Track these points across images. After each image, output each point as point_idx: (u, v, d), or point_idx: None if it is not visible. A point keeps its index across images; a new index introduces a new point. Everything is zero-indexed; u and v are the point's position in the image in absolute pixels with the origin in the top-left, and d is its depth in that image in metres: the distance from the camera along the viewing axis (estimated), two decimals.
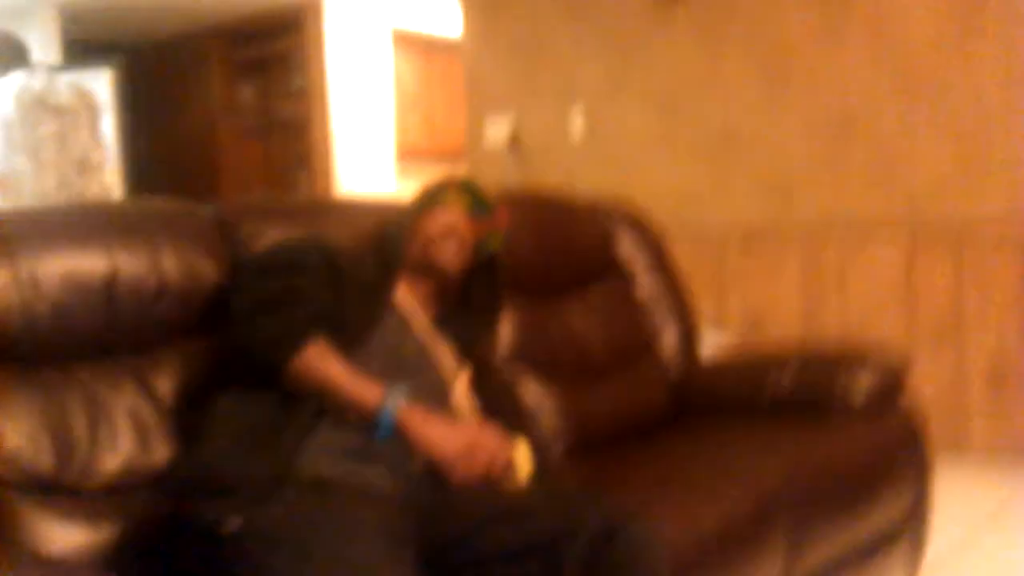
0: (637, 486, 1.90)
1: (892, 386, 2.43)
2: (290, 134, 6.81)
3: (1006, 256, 3.58)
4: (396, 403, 1.52)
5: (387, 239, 1.87)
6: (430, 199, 1.88)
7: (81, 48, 6.01)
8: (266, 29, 6.61)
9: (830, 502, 2.03)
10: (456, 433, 1.56)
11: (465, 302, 1.90)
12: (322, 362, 1.54)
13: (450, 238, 1.81)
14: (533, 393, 2.12)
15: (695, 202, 4.26)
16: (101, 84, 5.65)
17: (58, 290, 1.56)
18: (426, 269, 1.81)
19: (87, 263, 1.60)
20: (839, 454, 2.17)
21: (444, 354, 1.77)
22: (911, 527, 2.35)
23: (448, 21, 6.25)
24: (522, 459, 1.62)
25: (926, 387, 3.54)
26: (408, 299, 1.79)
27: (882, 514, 2.22)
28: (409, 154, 6.66)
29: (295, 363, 1.53)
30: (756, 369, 2.55)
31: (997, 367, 3.62)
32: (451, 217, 1.83)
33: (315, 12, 6.16)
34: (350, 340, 1.61)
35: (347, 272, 1.71)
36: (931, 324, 3.73)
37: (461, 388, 1.75)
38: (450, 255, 1.81)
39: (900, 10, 3.77)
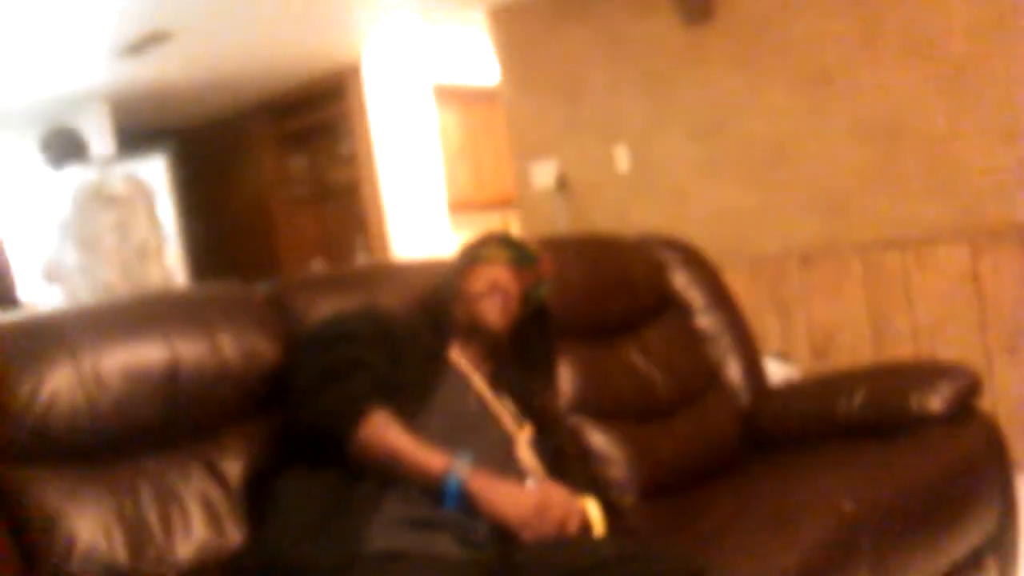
0: (713, 527, 1.86)
1: (968, 397, 2.35)
2: (343, 199, 6.91)
3: None
4: (462, 470, 1.51)
5: (437, 301, 1.87)
6: (471, 257, 1.89)
7: (131, 136, 6.18)
8: (310, 99, 6.73)
9: (913, 523, 1.97)
10: (524, 495, 1.54)
11: (520, 356, 1.89)
12: (385, 432, 1.54)
13: (494, 294, 1.82)
14: (600, 443, 2.11)
15: (749, 226, 4.21)
16: (155, 170, 5.80)
17: (120, 384, 1.59)
18: (474, 328, 1.81)
19: (146, 354, 1.64)
20: (919, 472, 2.10)
21: (504, 411, 1.76)
22: (1000, 543, 2.26)
23: (486, 70, 6.31)
24: (593, 516, 1.61)
25: (1003, 398, 3.43)
26: (463, 359, 1.79)
27: (968, 531, 2.14)
28: (460, 206, 6.71)
29: (358, 434, 1.53)
30: (826, 392, 2.49)
31: None
32: (493, 273, 1.84)
33: (355, 77, 6.26)
34: (410, 406, 1.61)
35: (402, 338, 1.72)
36: (1004, 332, 3.61)
37: (524, 445, 1.74)
38: (495, 312, 1.81)
39: (935, 5, 3.69)
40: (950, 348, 3.65)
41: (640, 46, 4.54)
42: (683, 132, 4.43)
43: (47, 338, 1.59)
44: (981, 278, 3.64)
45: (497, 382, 1.81)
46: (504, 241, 1.90)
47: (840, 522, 1.81)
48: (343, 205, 6.95)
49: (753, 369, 2.62)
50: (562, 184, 4.86)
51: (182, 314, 1.75)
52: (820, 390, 2.56)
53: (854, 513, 1.84)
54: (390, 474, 1.52)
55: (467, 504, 1.51)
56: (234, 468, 1.68)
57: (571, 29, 4.79)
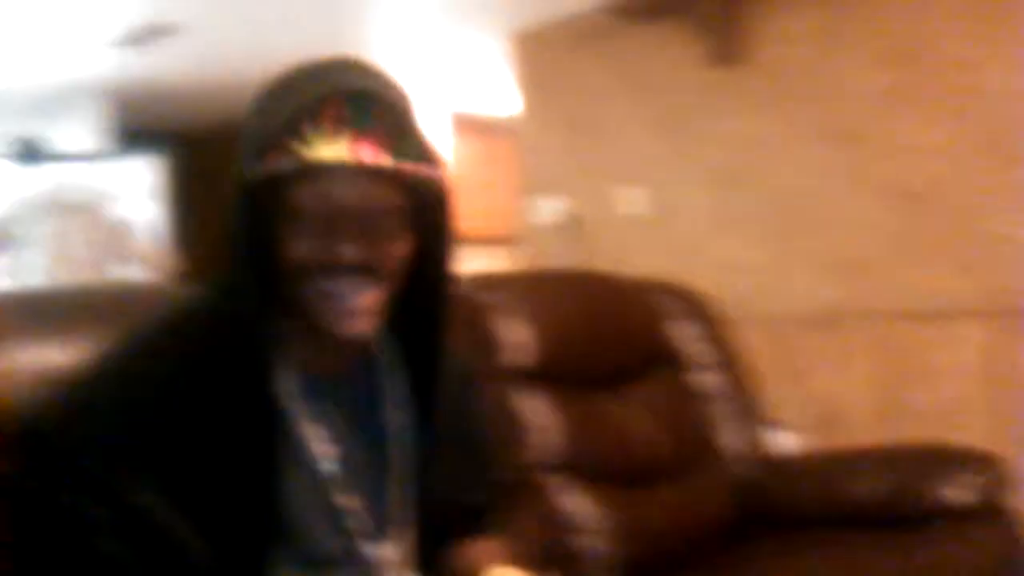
0: None
1: (996, 490, 2.10)
2: None
3: None
4: None
5: (229, 309, 1.07)
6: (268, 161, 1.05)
7: (132, 135, 5.99)
8: None
9: None
10: None
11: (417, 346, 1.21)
12: None
13: (342, 260, 1.05)
14: (580, 507, 1.85)
15: (760, 283, 3.96)
16: (149, 170, 5.61)
17: None
18: (317, 337, 1.13)
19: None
20: (943, 573, 1.84)
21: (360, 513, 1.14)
22: None
23: (504, 102, 6.12)
24: None
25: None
26: (296, 390, 1.14)
27: None
28: (469, 238, 6.49)
29: None
30: (835, 471, 2.26)
31: None
32: (330, 193, 1.02)
33: None
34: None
35: (188, 422, 1.01)
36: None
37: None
38: (354, 300, 1.07)
39: (973, 67, 3.46)
40: (963, 432, 3.37)
41: (662, 85, 4.33)
42: (701, 178, 4.21)
43: None
44: (1000, 359, 3.38)
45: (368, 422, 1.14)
46: (333, 79, 1.02)
47: None
48: None
49: (755, 438, 2.36)
50: (569, 223, 4.63)
51: None
52: (828, 468, 2.31)
53: None
54: None
55: None
56: None
57: (592, 62, 4.59)
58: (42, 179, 4.24)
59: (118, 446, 0.99)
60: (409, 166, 1.03)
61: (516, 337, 2.01)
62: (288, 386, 1.07)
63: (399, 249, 1.05)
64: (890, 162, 3.68)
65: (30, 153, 4.35)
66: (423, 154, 1.05)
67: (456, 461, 1.22)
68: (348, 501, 1.10)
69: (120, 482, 0.98)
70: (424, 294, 1.12)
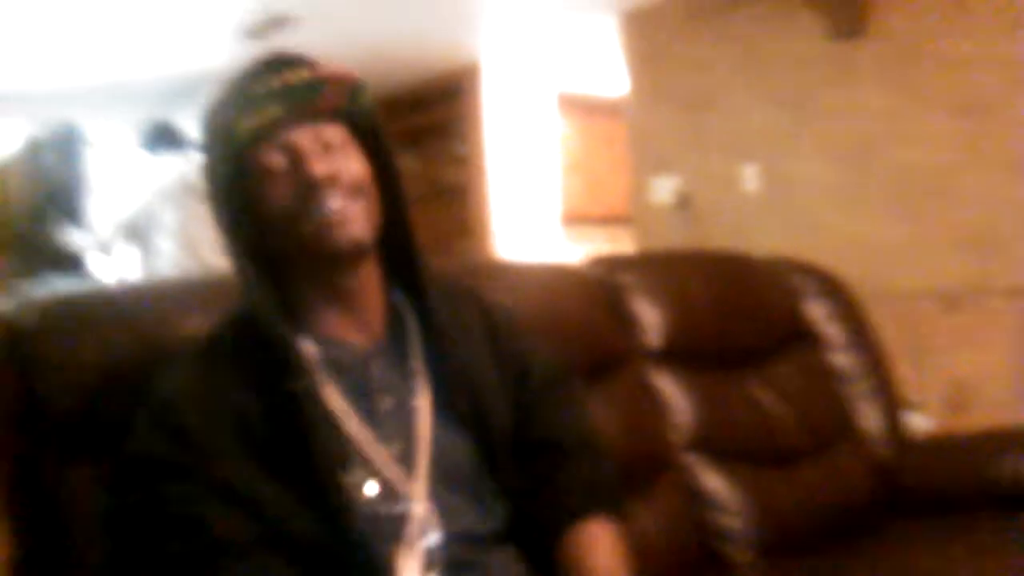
0: None
1: None
2: (454, 201, 6.75)
3: None
4: None
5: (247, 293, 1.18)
6: (234, 138, 1.20)
7: None
8: (426, 97, 6.61)
9: None
10: None
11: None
12: None
13: (320, 183, 1.19)
14: (716, 487, 1.84)
15: (886, 262, 3.86)
16: None
17: None
18: (323, 265, 1.23)
19: None
20: None
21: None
22: None
23: (610, 81, 6.09)
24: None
25: None
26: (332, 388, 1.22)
27: None
28: (573, 218, 6.49)
29: None
30: (974, 454, 2.18)
31: None
32: (285, 143, 1.17)
33: (473, 79, 6.11)
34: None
35: (235, 421, 1.10)
36: None
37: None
38: (338, 207, 1.19)
39: None
40: None
41: (779, 60, 4.25)
42: (821, 154, 4.12)
43: None
44: None
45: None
46: (262, 68, 1.17)
47: None
48: (452, 207, 6.79)
49: (892, 419, 2.31)
50: (683, 202, 4.59)
51: None
52: (970, 449, 2.24)
53: None
54: None
55: None
56: None
57: (705, 38, 4.53)
58: (173, 167, 4.35)
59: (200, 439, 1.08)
60: (329, 68, 1.16)
61: (650, 318, 2.02)
62: (312, 356, 1.14)
63: (357, 166, 1.16)
64: (1021, 134, 3.55)
65: (164, 137, 4.46)
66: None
67: (506, 387, 1.26)
68: (376, 454, 1.14)
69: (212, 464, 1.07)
70: (394, 225, 1.21)
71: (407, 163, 7.10)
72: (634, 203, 4.89)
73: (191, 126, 4.63)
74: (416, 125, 6.90)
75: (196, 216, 4.09)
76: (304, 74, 1.14)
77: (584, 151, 6.68)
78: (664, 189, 4.66)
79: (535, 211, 6.33)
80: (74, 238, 4.60)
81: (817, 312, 2.32)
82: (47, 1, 4.27)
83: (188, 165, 4.32)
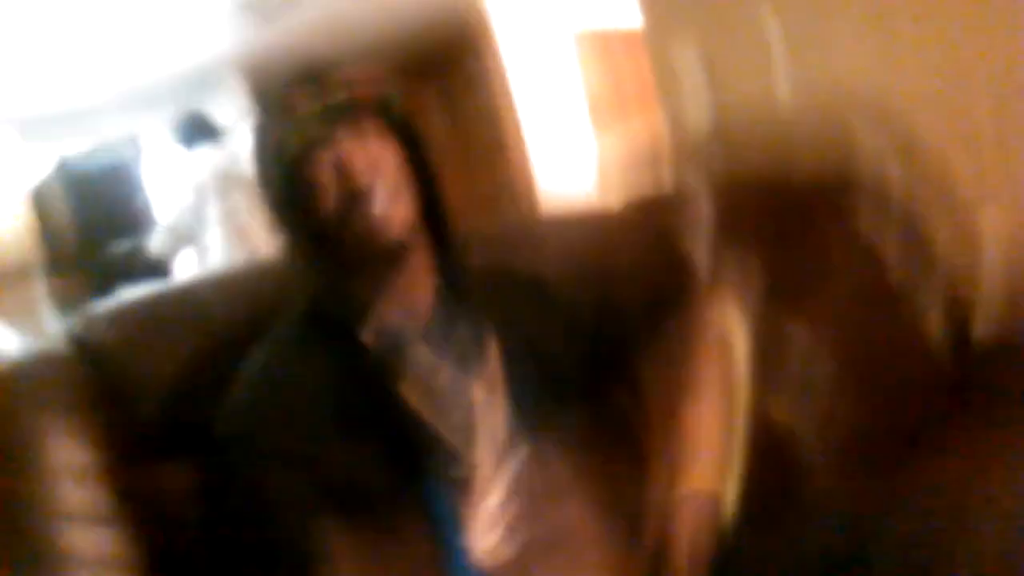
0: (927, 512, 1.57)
1: None
2: (487, 159, 6.75)
3: None
4: None
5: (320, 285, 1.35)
6: (285, 150, 1.33)
7: None
8: (441, 58, 6.59)
9: None
10: None
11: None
12: None
13: (361, 189, 1.31)
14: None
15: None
16: None
17: None
18: (378, 262, 1.37)
19: None
20: None
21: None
22: None
23: (626, 14, 5.97)
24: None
25: None
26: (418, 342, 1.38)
27: None
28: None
29: None
30: None
31: None
32: (329, 159, 1.30)
33: (486, 30, 6.06)
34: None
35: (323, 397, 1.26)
36: None
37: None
38: (384, 205, 1.32)
39: None
40: None
41: None
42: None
43: None
44: None
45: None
46: (301, 87, 1.29)
47: None
48: (486, 166, 6.80)
49: (955, 313, 2.26)
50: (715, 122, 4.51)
51: None
52: None
53: None
54: None
55: None
56: None
57: None
58: (208, 160, 4.34)
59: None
60: (363, 79, 1.29)
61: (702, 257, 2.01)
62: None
63: (395, 165, 1.28)
64: None
65: (199, 129, 4.44)
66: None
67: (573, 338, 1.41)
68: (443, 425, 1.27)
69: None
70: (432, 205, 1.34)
71: (436, 123, 7.08)
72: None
73: (220, 114, 4.65)
74: (437, 88, 6.89)
75: (240, 205, 4.11)
76: (341, 96, 1.26)
77: (608, 90, 6.60)
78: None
79: (571, 156, 6.30)
80: (143, 246, 4.60)
81: (867, 218, 2.26)
82: (51, 18, 4.25)
83: (224, 155, 4.31)
